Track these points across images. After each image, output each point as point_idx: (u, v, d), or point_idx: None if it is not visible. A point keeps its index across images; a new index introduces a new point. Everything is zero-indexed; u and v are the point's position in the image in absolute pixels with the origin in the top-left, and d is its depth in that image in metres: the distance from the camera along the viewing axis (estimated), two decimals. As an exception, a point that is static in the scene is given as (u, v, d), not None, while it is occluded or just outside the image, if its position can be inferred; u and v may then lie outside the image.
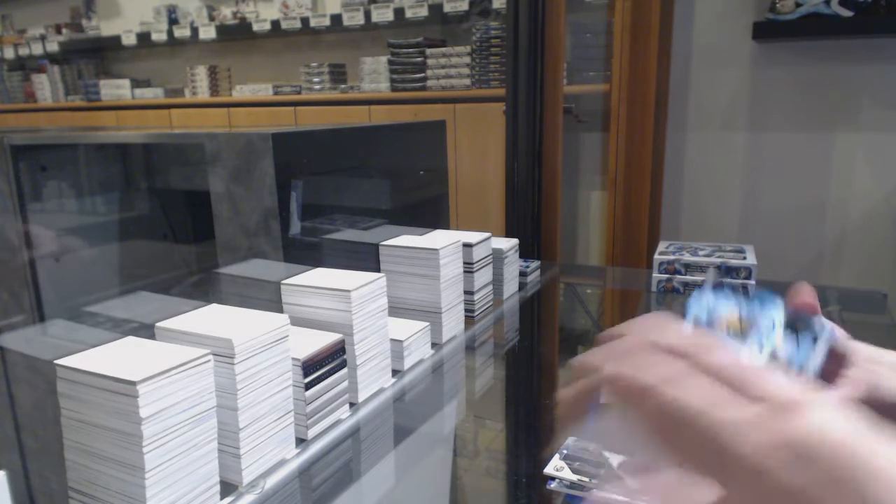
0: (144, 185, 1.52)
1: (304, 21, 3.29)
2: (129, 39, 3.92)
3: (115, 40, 3.99)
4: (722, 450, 0.24)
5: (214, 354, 0.61)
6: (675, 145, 2.19)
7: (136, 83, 4.02)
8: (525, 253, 1.46)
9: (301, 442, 0.73)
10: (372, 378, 0.85)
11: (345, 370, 0.78)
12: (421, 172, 1.32)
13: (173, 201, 1.52)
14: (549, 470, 0.56)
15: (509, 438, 0.85)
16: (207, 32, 3.63)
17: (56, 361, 0.58)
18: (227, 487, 0.64)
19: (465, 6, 2.83)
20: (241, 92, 3.57)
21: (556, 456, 0.58)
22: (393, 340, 0.90)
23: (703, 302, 0.40)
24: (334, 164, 1.15)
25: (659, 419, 0.27)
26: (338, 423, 0.78)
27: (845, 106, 1.96)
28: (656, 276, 1.31)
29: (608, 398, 0.30)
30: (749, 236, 2.09)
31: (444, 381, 0.95)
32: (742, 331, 0.37)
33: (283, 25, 3.36)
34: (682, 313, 0.37)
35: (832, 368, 0.35)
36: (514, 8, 1.55)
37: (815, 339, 0.36)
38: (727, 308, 0.39)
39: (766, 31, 1.93)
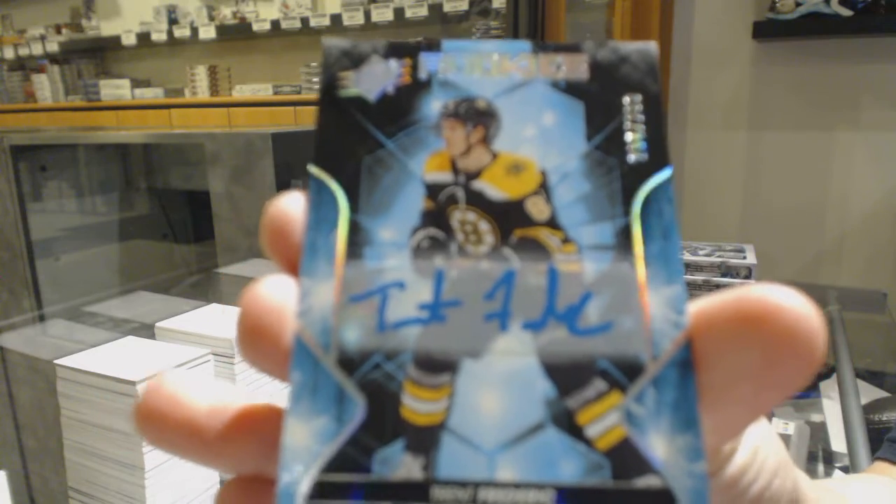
0: (144, 185, 1.52)
1: (304, 21, 3.29)
2: (129, 39, 3.92)
3: (115, 40, 3.99)
4: None
5: (214, 354, 0.61)
6: (675, 145, 2.19)
7: (136, 83, 4.02)
8: (525, 253, 1.46)
9: (301, 442, 0.73)
10: (372, 378, 0.85)
11: (345, 370, 0.78)
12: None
13: (173, 201, 1.52)
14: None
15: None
16: (207, 32, 3.63)
17: (56, 361, 0.58)
18: (227, 487, 0.64)
19: (465, 6, 2.83)
20: (241, 92, 3.57)
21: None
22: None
23: None
24: (334, 164, 1.14)
25: None
26: (338, 422, 0.78)
27: (845, 105, 1.96)
28: (656, 275, 1.31)
29: None
30: (749, 236, 2.09)
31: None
32: None
33: (283, 25, 3.36)
34: None
35: None
36: (514, 8, 1.55)
37: None
38: None
39: (766, 30, 1.93)
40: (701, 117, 2.15)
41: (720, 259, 1.26)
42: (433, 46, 0.15)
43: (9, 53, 4.52)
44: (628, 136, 0.14)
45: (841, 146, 1.99)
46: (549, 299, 0.13)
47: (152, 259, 1.52)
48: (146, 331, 0.68)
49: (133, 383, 0.53)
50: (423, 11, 2.92)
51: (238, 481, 0.14)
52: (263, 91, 3.47)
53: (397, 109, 0.15)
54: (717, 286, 1.25)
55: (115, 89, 4.04)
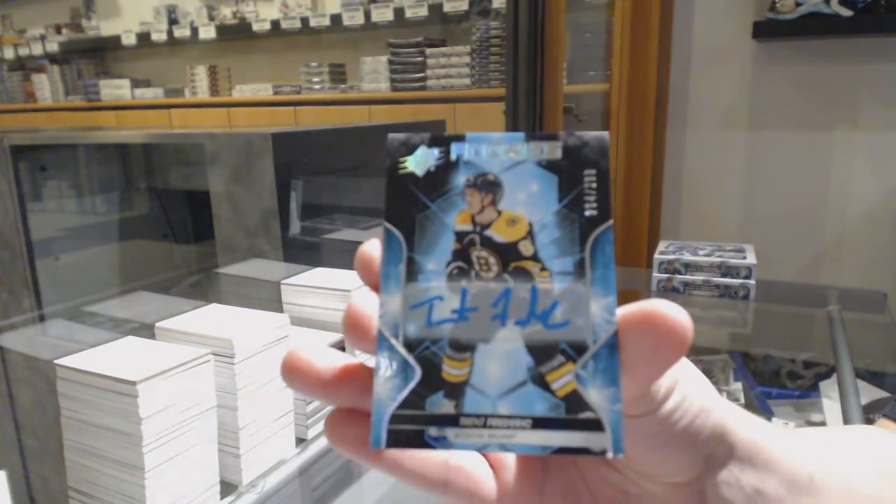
0: (144, 185, 1.52)
1: (304, 21, 3.29)
2: (129, 39, 3.92)
3: (115, 40, 3.99)
4: None
5: (214, 354, 0.61)
6: (675, 145, 2.19)
7: (136, 83, 4.02)
8: (525, 253, 1.46)
9: (301, 442, 0.73)
10: (372, 378, 0.85)
11: (345, 370, 0.78)
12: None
13: (173, 201, 1.52)
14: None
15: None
16: (207, 32, 3.63)
17: (56, 361, 0.58)
18: (227, 487, 0.64)
19: (465, 6, 2.83)
20: (241, 92, 3.57)
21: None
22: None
23: None
24: (334, 164, 1.15)
25: None
26: (338, 422, 0.78)
27: (845, 105, 1.96)
28: (656, 275, 1.31)
29: None
30: (749, 236, 2.09)
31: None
32: None
33: (283, 25, 3.36)
34: None
35: None
36: (514, 8, 1.55)
37: None
38: None
39: (766, 30, 1.93)
40: (701, 117, 2.15)
41: (720, 259, 1.26)
42: (460, 138, 0.22)
43: (9, 53, 4.52)
44: (585, 199, 0.21)
45: (841, 146, 1.99)
46: (531, 306, 0.20)
47: (152, 259, 1.52)
48: (146, 331, 0.68)
49: (133, 383, 0.53)
50: (423, 11, 2.92)
51: (341, 410, 0.22)
52: (263, 91, 3.47)
53: (437, 182, 0.22)
54: (717, 286, 1.25)
55: (115, 89, 4.04)
